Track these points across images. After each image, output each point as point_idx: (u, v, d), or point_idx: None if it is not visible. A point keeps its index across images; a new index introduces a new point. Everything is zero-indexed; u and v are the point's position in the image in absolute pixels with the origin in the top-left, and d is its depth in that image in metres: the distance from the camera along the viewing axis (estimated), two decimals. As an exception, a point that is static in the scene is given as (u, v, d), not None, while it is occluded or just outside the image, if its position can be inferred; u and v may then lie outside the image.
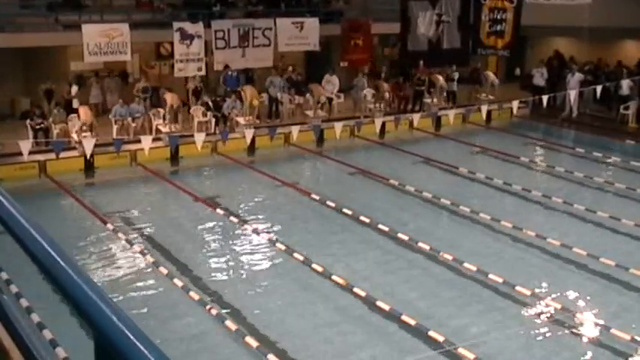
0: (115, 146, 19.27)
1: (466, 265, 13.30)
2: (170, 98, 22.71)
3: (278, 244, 14.42)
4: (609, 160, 20.92)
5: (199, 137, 20.27)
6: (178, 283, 12.59)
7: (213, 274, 13.22)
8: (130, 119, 21.32)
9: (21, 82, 23.20)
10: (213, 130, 21.73)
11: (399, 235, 14.81)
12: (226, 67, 23.94)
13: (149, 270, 13.23)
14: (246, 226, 15.53)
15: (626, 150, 21.85)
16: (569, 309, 11.68)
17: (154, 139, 20.25)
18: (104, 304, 1.88)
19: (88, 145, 18.52)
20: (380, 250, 14.37)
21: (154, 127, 21.61)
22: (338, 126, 22.14)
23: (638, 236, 14.97)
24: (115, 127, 21.02)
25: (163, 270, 13.11)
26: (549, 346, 10.84)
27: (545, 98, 23.36)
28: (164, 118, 22.07)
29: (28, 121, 20.27)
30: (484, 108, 23.65)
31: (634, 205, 16.95)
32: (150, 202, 17.36)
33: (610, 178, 19.02)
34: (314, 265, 13.30)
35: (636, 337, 10.73)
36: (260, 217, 16.27)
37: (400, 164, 20.58)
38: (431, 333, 10.79)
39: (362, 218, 15.80)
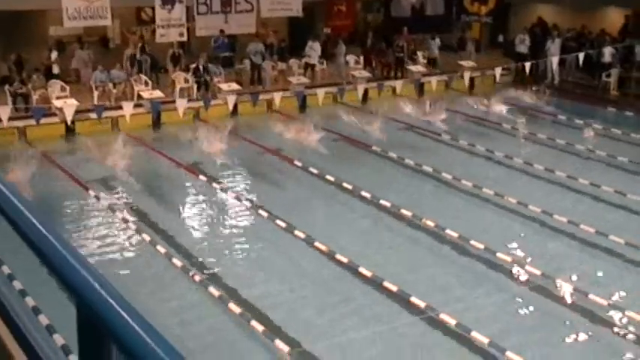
0: (96, 112, 19.10)
1: (448, 231, 13.39)
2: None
3: (260, 211, 14.43)
4: (591, 128, 20.99)
5: (181, 103, 20.17)
6: (161, 249, 12.59)
7: (195, 241, 13.21)
8: (110, 85, 21.11)
9: (-1, 48, 22.88)
10: (195, 97, 21.59)
11: (382, 202, 14.85)
12: (221, 31, 23.72)
13: (131, 236, 13.20)
14: (229, 192, 15.51)
15: (607, 117, 21.94)
16: (549, 275, 11.81)
17: (136, 106, 20.14)
18: (85, 270, 1.87)
19: (69, 111, 18.34)
20: (362, 217, 14.41)
21: (135, 94, 21.42)
22: (320, 92, 22.11)
23: (618, 203, 15.10)
24: (95, 94, 20.81)
25: (146, 237, 13.10)
26: (528, 311, 10.97)
27: (527, 65, 23.33)
28: (146, 84, 21.86)
29: (7, 86, 20.00)
30: (467, 75, 23.61)
31: (614, 172, 17.08)
32: (132, 169, 17.22)
33: (591, 145, 19.12)
34: (296, 232, 13.34)
35: (614, 303, 10.89)
36: (242, 183, 16.26)
37: (383, 131, 20.53)
38: (413, 299, 10.90)
39: (345, 185, 15.83)
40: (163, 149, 18.37)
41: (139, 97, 21.02)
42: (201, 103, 21.05)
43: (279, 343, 9.64)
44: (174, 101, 20.62)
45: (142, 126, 20.10)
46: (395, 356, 9.83)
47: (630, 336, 10.21)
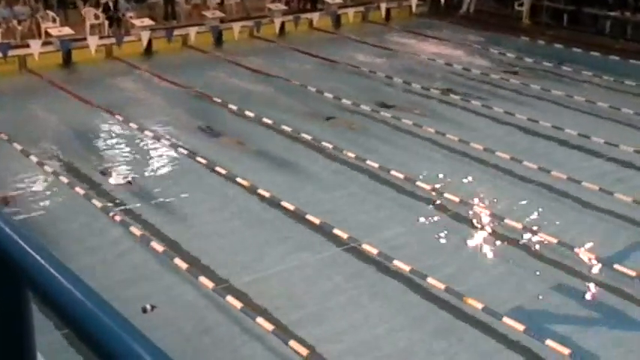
0: (0, 51, 18.29)
1: (368, 162, 13.57)
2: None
3: (180, 149, 14.26)
4: (504, 57, 21.40)
5: (92, 40, 19.54)
6: (80, 191, 12.34)
7: (114, 182, 12.96)
8: (15, 22, 20.16)
9: None
10: (107, 33, 20.89)
11: (301, 135, 14.89)
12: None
13: (49, 180, 12.85)
14: (146, 132, 15.22)
15: (519, 47, 22.39)
16: (467, 202, 12.16)
17: (44, 44, 19.38)
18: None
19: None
20: (283, 152, 14.39)
21: (42, 31, 20.54)
22: (236, 27, 21.76)
23: (531, 130, 15.57)
24: (-1, 31, 19.88)
25: (64, 179, 12.80)
26: (448, 237, 11.30)
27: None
28: (54, 21, 20.97)
29: None
30: (383, 6, 23.58)
31: (527, 101, 17.53)
32: (43, 111, 16.67)
33: (505, 75, 19.52)
34: (217, 168, 13.28)
35: (528, 226, 11.33)
36: (159, 122, 15.94)
37: (301, 65, 20.44)
38: (335, 231, 11.07)
39: (264, 120, 15.75)
40: (76, 89, 17.76)
41: (47, 34, 20.17)
42: (113, 40, 20.45)
43: (203, 280, 9.68)
44: (84, 39, 19.94)
45: (51, 65, 19.37)
46: (319, 286, 9.99)
47: (547, 257, 10.68)
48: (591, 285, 9.97)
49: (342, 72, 19.91)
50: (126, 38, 20.55)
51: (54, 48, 19.70)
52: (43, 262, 1.56)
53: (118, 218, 11.40)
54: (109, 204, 11.96)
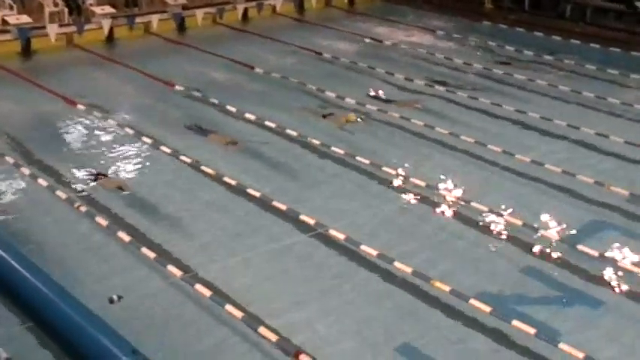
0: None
1: (334, 148, 13.58)
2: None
3: (144, 137, 14.12)
4: (467, 41, 21.52)
5: (52, 29, 19.26)
6: (43, 183, 12.17)
7: (78, 171, 12.79)
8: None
9: None
10: (67, 21, 20.55)
11: (266, 122, 14.83)
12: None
13: (9, 172, 12.65)
14: (109, 120, 15.04)
15: (483, 30, 22.52)
16: (431, 185, 12.23)
17: (1, 32, 19.08)
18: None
19: None
20: (244, 137, 14.31)
21: None
22: (199, 13, 21.60)
23: (495, 114, 15.71)
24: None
25: (25, 170, 12.61)
26: (413, 220, 11.37)
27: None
28: (10, 8, 20.54)
29: None
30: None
31: (490, 85, 17.66)
32: (2, 101, 16.36)
33: (469, 58, 19.64)
34: (182, 157, 13.19)
35: (494, 208, 11.44)
36: (124, 110, 15.75)
37: (264, 51, 20.34)
38: (302, 217, 11.06)
39: (228, 108, 15.66)
40: (36, 79, 17.44)
41: (4, 22, 19.77)
42: (74, 28, 20.15)
43: (172, 268, 9.63)
44: (44, 27, 19.63)
45: (10, 54, 19.04)
46: (285, 272, 10.00)
47: (512, 239, 10.80)
48: (555, 266, 10.12)
49: (305, 57, 19.84)
50: (87, 26, 20.28)
51: (12, 37, 19.35)
52: (2, 253, 1.53)
53: (83, 209, 11.27)
54: (73, 195, 11.80)
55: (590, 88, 17.10)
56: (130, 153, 13.60)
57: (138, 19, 21.04)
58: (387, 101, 16.34)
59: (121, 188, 12.15)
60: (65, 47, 19.94)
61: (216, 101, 16.03)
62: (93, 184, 12.29)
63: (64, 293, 1.42)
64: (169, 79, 17.45)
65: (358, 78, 18.27)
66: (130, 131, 14.46)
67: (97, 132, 14.59)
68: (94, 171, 12.74)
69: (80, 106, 15.66)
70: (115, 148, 13.81)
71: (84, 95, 16.36)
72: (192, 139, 14.30)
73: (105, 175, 12.58)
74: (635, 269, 9.97)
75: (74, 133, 14.56)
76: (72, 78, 17.74)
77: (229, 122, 15.20)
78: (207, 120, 15.12)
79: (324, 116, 15.39)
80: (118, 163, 13.15)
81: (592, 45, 20.65)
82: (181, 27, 21.86)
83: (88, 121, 15.07)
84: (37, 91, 16.70)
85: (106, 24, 20.34)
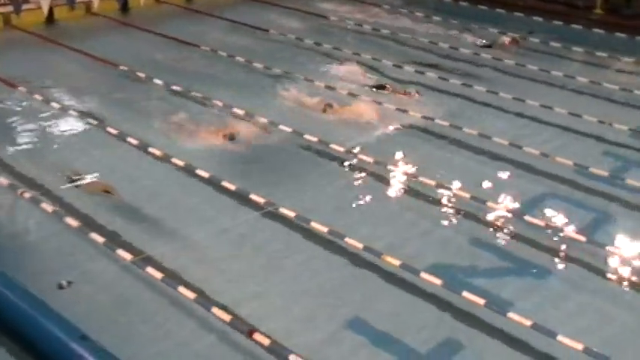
0: None
1: (281, 127, 13.53)
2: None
3: (90, 119, 13.86)
4: (428, 18, 21.60)
5: (-12, 10, 18.70)
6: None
7: (20, 157, 12.50)
8: None
9: None
10: (3, 1, 19.96)
11: (214, 101, 14.70)
12: None
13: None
14: (52, 104, 14.70)
15: (436, 6, 22.52)
16: (380, 161, 12.30)
17: None
18: None
19: None
20: (194, 116, 14.16)
21: None
22: (142, -9, 21.23)
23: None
24: None
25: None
26: (364, 197, 11.41)
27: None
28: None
29: None
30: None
31: (458, 66, 17.61)
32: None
33: (433, 38, 19.59)
34: (129, 139, 12.97)
35: (442, 183, 11.58)
36: (66, 93, 15.41)
37: (210, 29, 20.12)
38: (252, 196, 11.02)
39: (174, 88, 15.47)
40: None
41: (-62, 4, 19.17)
42: (11, 8, 19.59)
43: (122, 253, 9.51)
44: (-21, 7, 19.08)
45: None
46: (238, 250, 9.97)
47: (461, 212, 10.96)
48: (504, 237, 10.32)
49: (254, 36, 19.69)
50: (25, 6, 19.70)
51: (-54, 18, 18.81)
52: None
53: (27, 195, 11.02)
54: (17, 182, 11.53)
55: (556, 68, 17.24)
56: (74, 135, 13.39)
57: (78, -1, 20.61)
58: (324, 73, 16.40)
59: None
60: (2, 28, 19.39)
61: (160, 82, 15.80)
62: (35, 168, 12.02)
63: (6, 278, 1.38)
64: (114, 59, 17.11)
65: (302, 52, 18.20)
66: (74, 113, 14.17)
67: (37, 114, 14.23)
68: (34, 154, 12.47)
69: (21, 89, 15.27)
70: (57, 129, 13.54)
71: (24, 77, 15.93)
72: (135, 121, 14.05)
73: (41, 155, 12.33)
74: (580, 237, 10.23)
75: (15, 116, 14.18)
76: (11, 60, 17.25)
77: (167, 97, 15.05)
78: (152, 101, 14.92)
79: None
80: (61, 145, 12.91)
81: (555, 22, 20.77)
82: (124, 6, 21.44)
83: (30, 103, 14.70)
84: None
85: (45, 4, 19.82)
